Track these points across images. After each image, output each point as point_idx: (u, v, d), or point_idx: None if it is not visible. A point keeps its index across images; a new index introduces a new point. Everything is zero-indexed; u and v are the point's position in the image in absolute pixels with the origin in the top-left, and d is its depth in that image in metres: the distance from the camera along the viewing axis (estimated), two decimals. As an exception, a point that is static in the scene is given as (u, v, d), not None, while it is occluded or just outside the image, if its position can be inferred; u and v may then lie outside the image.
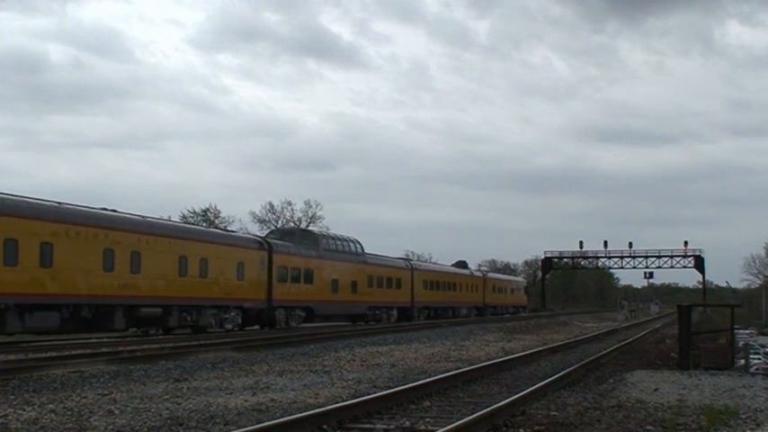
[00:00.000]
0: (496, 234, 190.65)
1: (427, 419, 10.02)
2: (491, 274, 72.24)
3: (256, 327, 33.98)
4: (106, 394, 12.01)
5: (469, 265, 67.76)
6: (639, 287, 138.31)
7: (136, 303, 26.07)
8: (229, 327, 31.04)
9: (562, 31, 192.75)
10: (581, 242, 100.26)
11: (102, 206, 27.28)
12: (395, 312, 46.64)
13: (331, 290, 38.83)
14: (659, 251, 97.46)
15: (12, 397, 11.69)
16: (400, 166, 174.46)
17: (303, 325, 36.30)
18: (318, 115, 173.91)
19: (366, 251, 44.35)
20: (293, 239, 38.08)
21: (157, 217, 29.54)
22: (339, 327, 37.80)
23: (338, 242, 41.36)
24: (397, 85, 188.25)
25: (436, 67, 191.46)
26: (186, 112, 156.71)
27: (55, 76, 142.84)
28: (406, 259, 51.67)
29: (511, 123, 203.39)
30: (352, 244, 42.77)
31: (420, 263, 52.61)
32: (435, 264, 57.65)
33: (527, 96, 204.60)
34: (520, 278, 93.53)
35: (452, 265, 64.54)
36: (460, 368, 16.24)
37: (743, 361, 20.53)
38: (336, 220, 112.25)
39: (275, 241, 36.22)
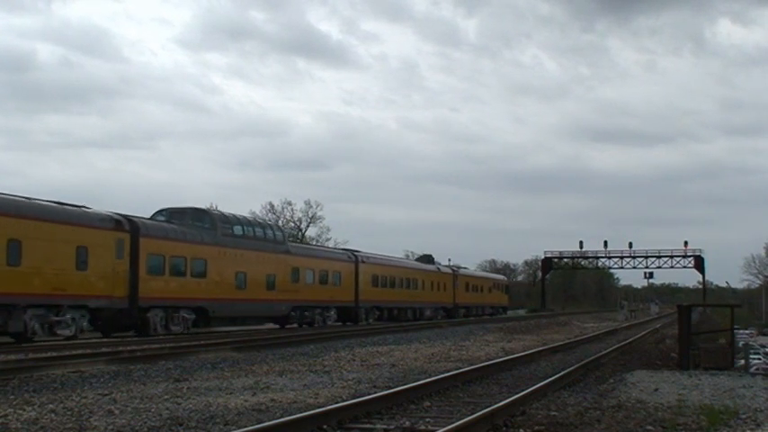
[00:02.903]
0: (495, 234, 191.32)
1: (427, 419, 10.02)
2: (463, 271, 64.61)
3: (132, 333, 27.20)
4: (106, 394, 12.01)
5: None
6: (639, 287, 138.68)
7: None
8: (67, 332, 23.72)
9: (552, 30, 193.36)
10: (581, 242, 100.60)
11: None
12: (333, 313, 39.61)
13: (235, 285, 31.64)
14: (659, 251, 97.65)
15: (12, 397, 11.69)
16: (394, 165, 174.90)
17: (199, 331, 29.97)
18: (311, 115, 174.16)
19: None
20: (183, 221, 30.63)
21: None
22: (339, 327, 37.64)
23: (247, 227, 33.74)
24: (387, 84, 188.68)
25: (426, 66, 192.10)
26: (177, 111, 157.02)
27: (44, 76, 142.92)
28: (350, 250, 45.57)
29: (504, 123, 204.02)
30: (268, 230, 35.78)
31: (368, 254, 46.04)
32: (390, 257, 50.48)
33: (519, 96, 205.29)
34: (500, 276, 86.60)
35: (416, 260, 58.21)
36: (460, 368, 16.24)
37: (743, 361, 20.54)
38: (333, 220, 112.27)
39: (145, 221, 28.46)
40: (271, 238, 35.08)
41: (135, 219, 27.51)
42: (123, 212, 27.71)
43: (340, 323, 40.05)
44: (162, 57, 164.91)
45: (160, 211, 31.34)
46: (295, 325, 36.17)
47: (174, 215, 31.09)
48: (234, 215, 33.52)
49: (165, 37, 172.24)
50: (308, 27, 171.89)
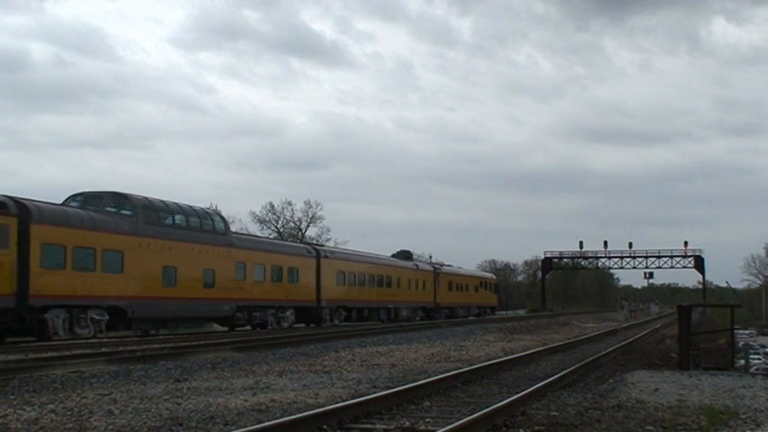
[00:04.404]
0: (495, 234, 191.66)
1: (427, 419, 10.01)
2: (446, 268, 59.88)
3: (33, 339, 23.46)
4: (106, 394, 12.01)
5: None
6: (639, 287, 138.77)
7: None
8: None
9: (546, 29, 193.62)
10: (581, 242, 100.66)
11: None
12: (289, 314, 35.94)
13: (162, 282, 27.82)
14: (659, 251, 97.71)
15: (12, 397, 11.69)
16: (391, 165, 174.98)
17: (125, 335, 26.76)
18: (306, 114, 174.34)
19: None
20: (99, 207, 26.77)
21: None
22: (339, 327, 37.59)
23: (178, 215, 29.65)
24: (382, 83, 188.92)
25: (421, 65, 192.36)
26: (172, 111, 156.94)
27: (38, 75, 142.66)
28: (311, 244, 42.41)
29: (500, 122, 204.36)
30: (207, 219, 31.28)
31: (333, 249, 43.03)
32: (360, 252, 47.07)
33: (515, 95, 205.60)
34: (488, 274, 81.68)
35: (393, 256, 53.84)
36: (460, 368, 16.23)
37: (743, 361, 20.56)
38: (330, 220, 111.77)
39: (39, 204, 24.11)
40: (209, 228, 30.98)
41: (26, 201, 23.51)
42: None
43: (303, 324, 37.44)
44: (156, 56, 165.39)
45: (74, 196, 27.46)
46: (248, 327, 33.28)
47: (89, 200, 27.13)
48: (163, 201, 29.38)
49: (158, 36, 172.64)
50: (302, 26, 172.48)
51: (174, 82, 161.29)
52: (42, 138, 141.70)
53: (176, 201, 30.51)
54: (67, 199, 27.38)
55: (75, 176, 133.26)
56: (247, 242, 35.00)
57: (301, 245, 42.29)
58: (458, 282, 60.51)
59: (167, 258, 28.08)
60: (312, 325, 37.48)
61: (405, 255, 55.07)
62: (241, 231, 59.83)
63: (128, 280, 26.30)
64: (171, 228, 28.81)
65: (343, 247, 71.33)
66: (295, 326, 36.41)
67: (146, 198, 28.54)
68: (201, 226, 30.56)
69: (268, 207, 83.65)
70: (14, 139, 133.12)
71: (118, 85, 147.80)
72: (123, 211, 27.30)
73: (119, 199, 27.84)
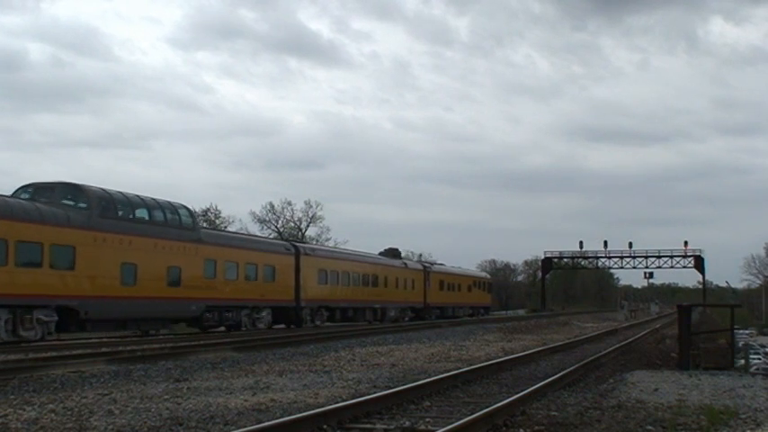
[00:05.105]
0: (495, 234, 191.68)
1: (427, 419, 10.02)
2: (437, 267, 57.61)
3: None
4: (106, 394, 12.02)
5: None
6: (639, 287, 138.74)
7: None
8: None
9: (543, 29, 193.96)
10: (581, 242, 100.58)
11: None
12: (266, 315, 33.57)
13: (120, 280, 25.57)
14: (659, 251, 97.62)
15: (12, 397, 11.69)
16: (389, 165, 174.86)
17: (72, 338, 24.92)
18: (304, 114, 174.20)
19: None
20: (51, 198, 24.66)
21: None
22: (339, 327, 37.57)
23: (140, 208, 27.40)
24: (380, 83, 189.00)
25: (418, 65, 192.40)
26: (170, 110, 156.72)
27: (35, 75, 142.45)
28: (290, 241, 40.92)
29: (498, 122, 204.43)
30: (172, 213, 28.80)
31: (314, 246, 41.36)
32: (343, 249, 45.05)
33: (513, 95, 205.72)
34: (482, 273, 78.96)
35: (380, 254, 50.98)
36: (460, 368, 16.24)
37: (743, 361, 20.56)
38: (329, 220, 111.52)
39: None
40: (175, 222, 28.65)
41: None
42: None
43: (282, 326, 35.55)
44: (153, 56, 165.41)
45: (24, 187, 25.52)
46: (222, 328, 31.29)
47: (40, 192, 25.07)
48: (122, 193, 27.03)
49: (155, 36, 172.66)
50: (299, 26, 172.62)
51: (172, 82, 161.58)
52: (40, 137, 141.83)
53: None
54: (17, 190, 25.57)
55: (73, 176, 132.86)
56: (218, 238, 32.78)
57: (279, 241, 40.54)
58: (449, 281, 58.18)
59: (126, 254, 25.87)
60: (292, 326, 35.60)
61: (393, 253, 52.44)
62: (241, 231, 59.84)
63: (80, 278, 24.07)
64: (131, 221, 26.53)
65: (342, 246, 71.33)
66: (274, 327, 34.51)
67: (102, 190, 26.36)
68: (166, 220, 28.27)
69: (268, 207, 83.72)
70: (12, 139, 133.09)
71: (115, 85, 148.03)
72: (79, 204, 25.11)
73: (72, 190, 25.62)
